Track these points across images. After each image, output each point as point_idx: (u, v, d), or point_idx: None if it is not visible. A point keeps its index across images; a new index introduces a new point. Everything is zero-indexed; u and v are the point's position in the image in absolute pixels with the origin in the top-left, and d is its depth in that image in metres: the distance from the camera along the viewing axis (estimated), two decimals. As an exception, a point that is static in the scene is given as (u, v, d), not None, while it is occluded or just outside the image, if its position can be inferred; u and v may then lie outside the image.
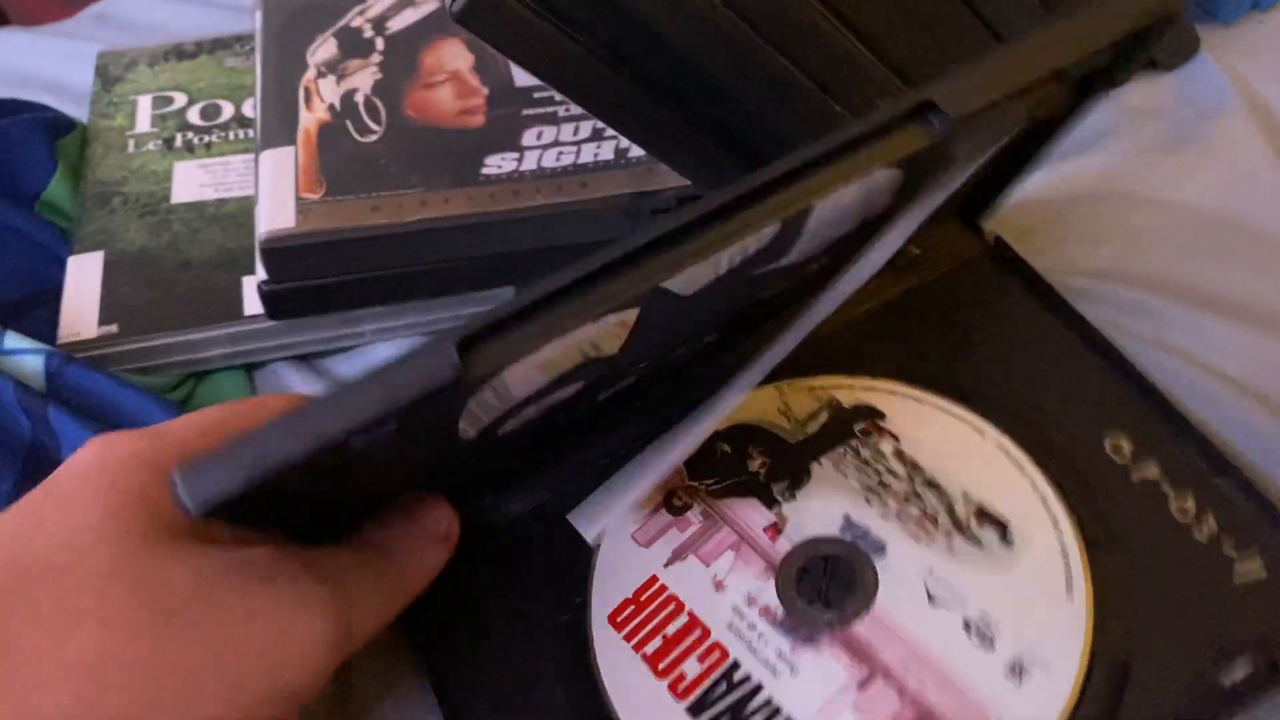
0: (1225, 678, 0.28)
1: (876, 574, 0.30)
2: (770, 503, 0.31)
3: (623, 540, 0.31)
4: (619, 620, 0.30)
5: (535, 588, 0.30)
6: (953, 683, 0.28)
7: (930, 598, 0.30)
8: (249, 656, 0.22)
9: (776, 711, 0.28)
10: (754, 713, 0.28)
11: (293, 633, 0.23)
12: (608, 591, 0.30)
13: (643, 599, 0.30)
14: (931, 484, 0.31)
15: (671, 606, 0.30)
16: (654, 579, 0.30)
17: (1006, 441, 0.32)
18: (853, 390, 0.33)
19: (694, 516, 0.31)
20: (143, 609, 0.21)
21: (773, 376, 0.32)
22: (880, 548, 0.31)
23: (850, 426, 0.32)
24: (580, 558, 0.31)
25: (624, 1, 0.32)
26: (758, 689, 0.29)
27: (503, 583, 0.31)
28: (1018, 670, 0.28)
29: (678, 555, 0.31)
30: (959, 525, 0.31)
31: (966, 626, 0.29)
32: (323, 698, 0.30)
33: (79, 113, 0.50)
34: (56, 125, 0.48)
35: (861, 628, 0.29)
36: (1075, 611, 0.29)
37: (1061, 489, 0.31)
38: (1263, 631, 0.28)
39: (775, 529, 0.31)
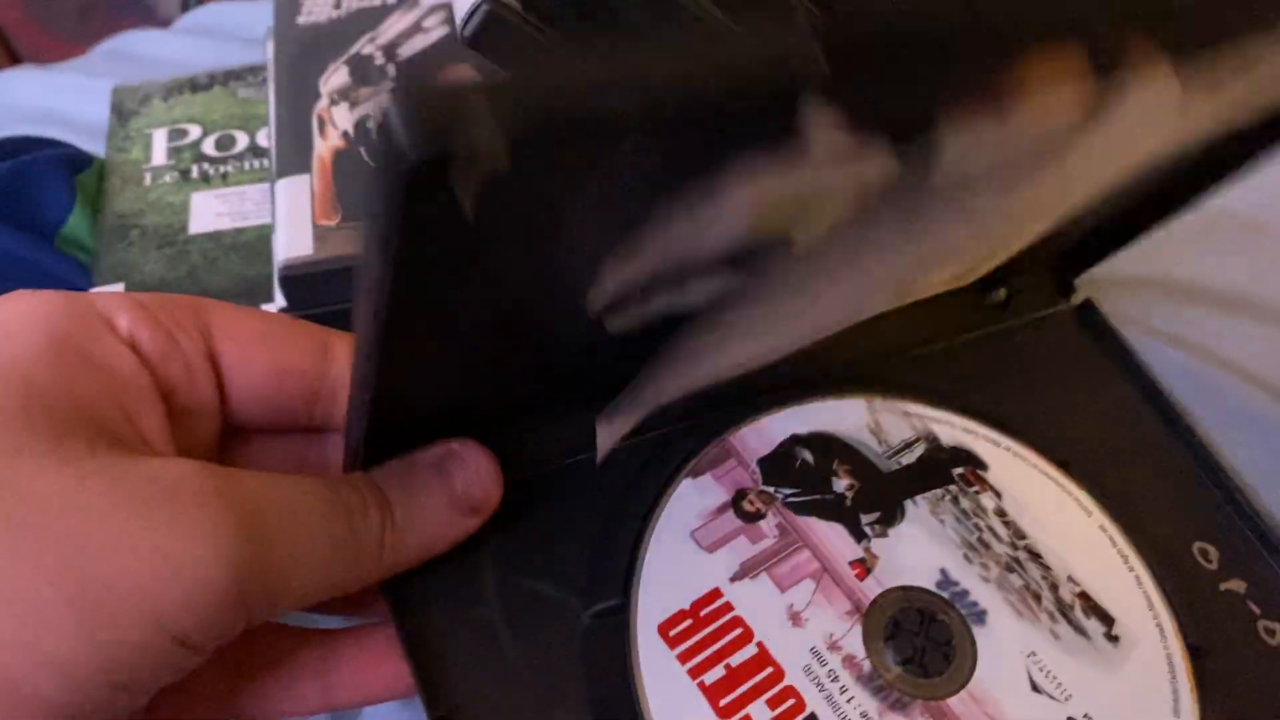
0: None
1: (975, 643, 0.24)
2: (859, 535, 0.25)
3: (680, 536, 0.25)
4: (671, 635, 0.23)
5: (557, 566, 0.24)
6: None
7: (1033, 685, 0.24)
8: (118, 589, 0.18)
9: None
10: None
11: (172, 564, 0.18)
12: (657, 593, 0.23)
13: (703, 614, 0.23)
14: (1035, 555, 0.26)
15: (738, 631, 0.23)
16: (717, 592, 0.24)
17: (1110, 525, 0.27)
18: (951, 428, 0.28)
19: (768, 528, 0.25)
20: None
21: (863, 389, 0.28)
22: (980, 615, 0.25)
23: (949, 469, 0.27)
24: (622, 541, 0.24)
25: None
26: (839, 756, 0.22)
27: (513, 550, 0.24)
28: None
29: (747, 570, 0.24)
30: (1063, 609, 0.25)
31: None
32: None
33: (96, 148, 0.49)
34: (74, 161, 0.48)
35: (957, 704, 0.23)
36: None
37: (1164, 591, 0.26)
38: None
39: (863, 566, 0.25)
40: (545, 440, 0.26)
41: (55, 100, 0.56)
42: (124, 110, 0.51)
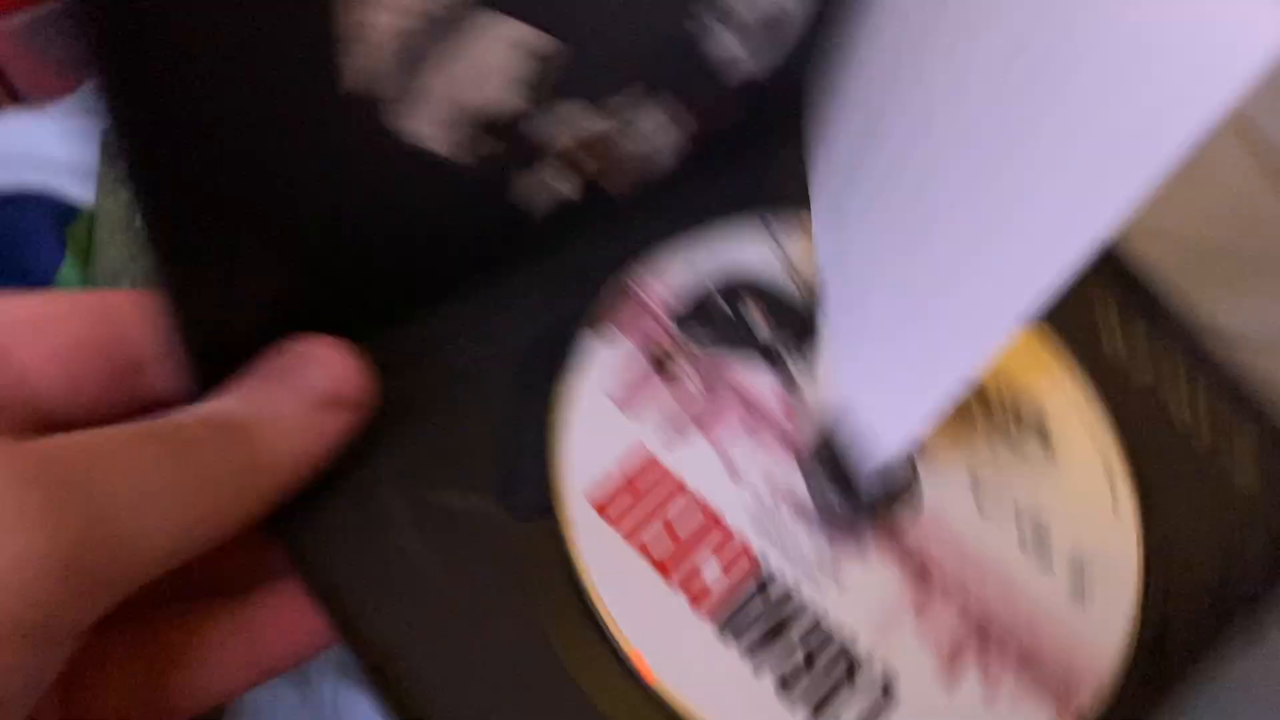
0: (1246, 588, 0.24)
1: (916, 468, 0.23)
2: (784, 376, 0.23)
3: (595, 401, 0.22)
4: (607, 510, 0.21)
5: (466, 468, 0.21)
6: (1016, 601, 0.22)
7: (978, 505, 0.23)
8: None
9: (820, 629, 0.21)
10: (797, 633, 0.21)
11: None
12: (582, 469, 0.21)
13: (636, 481, 0.21)
14: (960, 373, 0.25)
15: (675, 491, 0.21)
16: (647, 454, 0.22)
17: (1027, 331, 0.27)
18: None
19: (689, 380, 0.23)
20: None
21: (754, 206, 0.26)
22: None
23: (864, 294, 0.26)
24: (530, 422, 0.22)
25: None
26: (799, 605, 0.21)
27: (411, 462, 0.21)
28: (1080, 592, 0.23)
29: (676, 428, 0.22)
30: (995, 425, 0.25)
31: (1022, 541, 0.23)
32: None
33: (88, 190, 0.46)
34: (63, 213, 0.45)
35: (906, 523, 0.22)
36: (1125, 527, 0.24)
37: (1092, 387, 0.26)
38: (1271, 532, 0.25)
39: (792, 406, 0.23)
40: (415, 335, 0.23)
41: (47, 143, 0.50)
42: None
